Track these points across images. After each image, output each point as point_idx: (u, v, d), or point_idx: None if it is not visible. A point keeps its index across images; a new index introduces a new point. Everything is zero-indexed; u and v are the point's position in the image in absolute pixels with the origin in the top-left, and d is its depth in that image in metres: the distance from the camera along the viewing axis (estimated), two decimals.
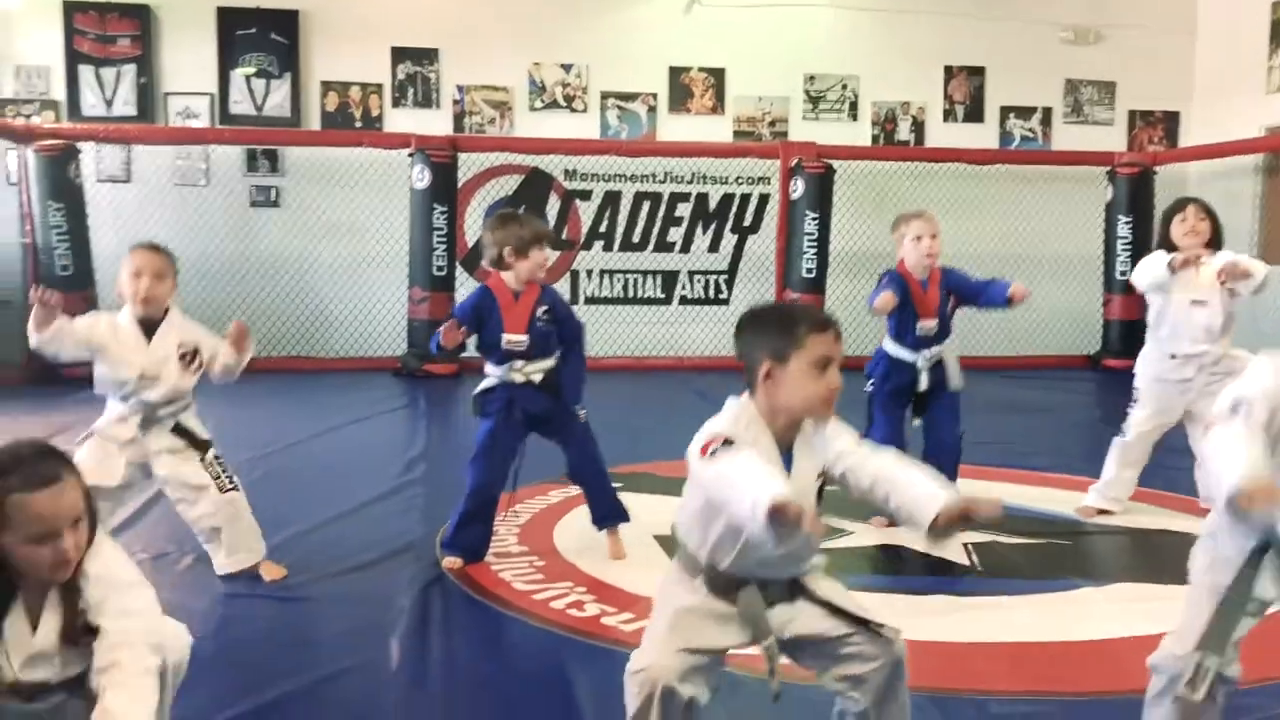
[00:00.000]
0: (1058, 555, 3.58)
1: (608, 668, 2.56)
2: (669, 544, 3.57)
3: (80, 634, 1.74)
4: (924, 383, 3.85)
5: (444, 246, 7.92)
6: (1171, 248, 3.86)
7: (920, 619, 2.76)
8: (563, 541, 3.55)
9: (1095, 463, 4.23)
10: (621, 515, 3.47)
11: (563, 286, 8.90)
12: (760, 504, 1.63)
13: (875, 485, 1.89)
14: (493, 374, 3.36)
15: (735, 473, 1.75)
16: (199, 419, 3.20)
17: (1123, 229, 8.66)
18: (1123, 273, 8.72)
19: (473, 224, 8.52)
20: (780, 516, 1.62)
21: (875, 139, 9.28)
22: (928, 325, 3.89)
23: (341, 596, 3.06)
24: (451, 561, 3.29)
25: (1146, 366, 3.97)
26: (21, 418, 5.54)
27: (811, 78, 9.20)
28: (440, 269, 7.91)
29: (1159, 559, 3.56)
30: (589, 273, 9.01)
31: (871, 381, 3.94)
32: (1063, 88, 9.49)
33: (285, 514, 3.72)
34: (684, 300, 9.11)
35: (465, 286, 8.32)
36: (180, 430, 3.12)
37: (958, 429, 3.90)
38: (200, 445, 3.14)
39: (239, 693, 2.38)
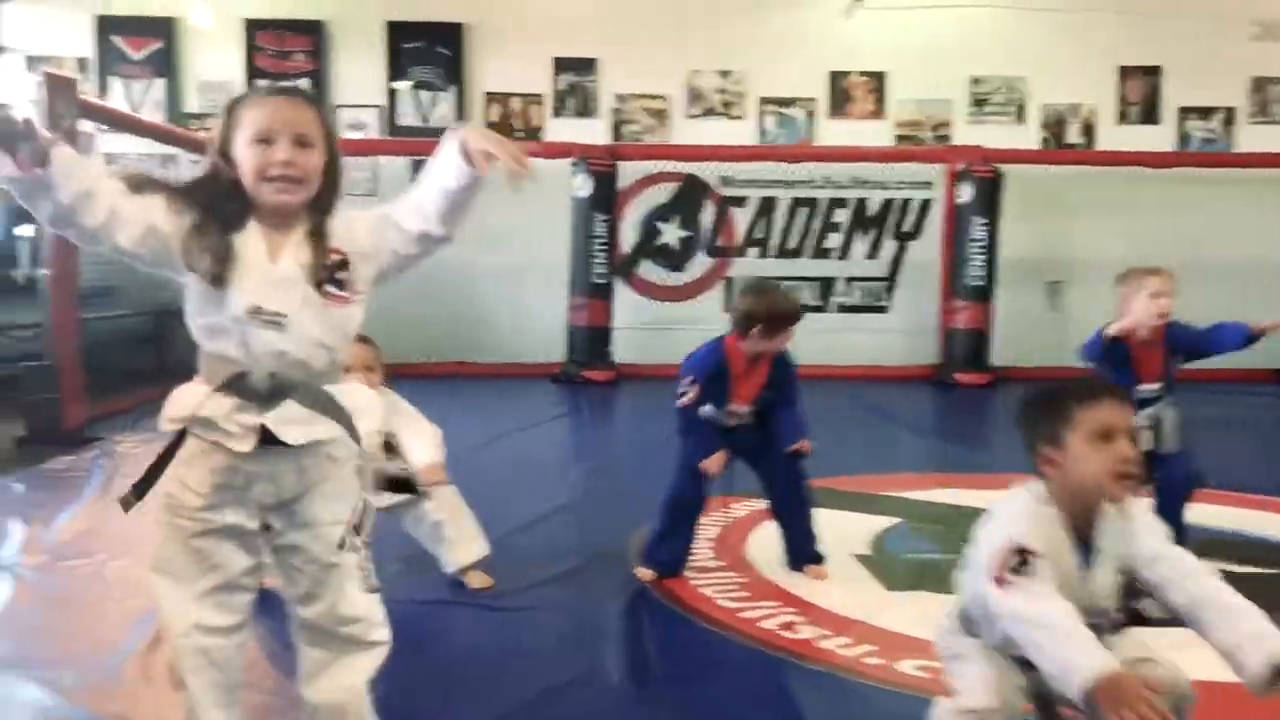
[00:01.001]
0: None
1: (836, 694, 2.49)
2: (871, 564, 3.54)
3: (328, 272, 1.81)
4: (1144, 442, 3.48)
5: (604, 255, 7.96)
6: None
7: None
8: (758, 556, 3.48)
9: None
10: (818, 556, 3.37)
11: (716, 293, 8.87)
12: (1076, 682, 1.57)
13: (1193, 608, 1.73)
14: (705, 413, 3.29)
15: (1043, 631, 1.65)
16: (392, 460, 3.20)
17: None
18: None
19: (628, 232, 8.55)
20: (1103, 699, 1.53)
21: (1044, 142, 8.94)
22: (1150, 388, 3.46)
23: (548, 607, 3.05)
24: (645, 573, 3.27)
25: None
26: None
27: (976, 80, 8.92)
28: (600, 277, 7.95)
29: None
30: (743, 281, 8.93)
31: None
32: (1248, 86, 8.96)
33: None
34: (842, 308, 8.94)
35: (619, 297, 8.36)
36: (389, 483, 3.13)
37: (1191, 464, 3.54)
38: (407, 483, 3.10)
39: (464, 705, 2.39)
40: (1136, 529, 1.79)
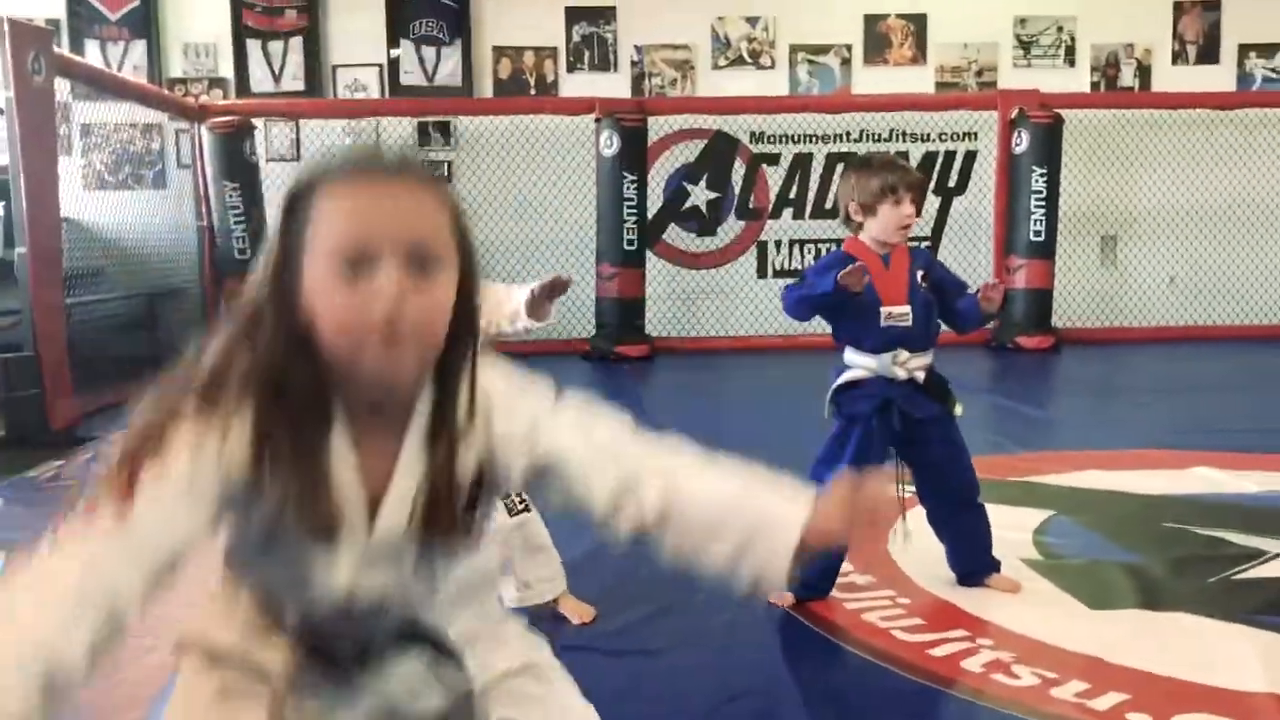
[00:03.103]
0: None
1: None
2: (1053, 572, 2.82)
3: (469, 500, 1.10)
4: None
5: (635, 218, 7.31)
6: None
7: None
8: (910, 564, 2.86)
9: None
10: (995, 563, 2.76)
11: (749, 259, 8.25)
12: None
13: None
14: (860, 365, 2.62)
15: None
16: None
17: None
18: None
19: (652, 196, 7.91)
20: None
21: (1095, 85, 8.31)
22: None
23: (676, 646, 2.43)
24: (783, 596, 2.64)
25: None
26: None
27: (1023, 21, 8.28)
28: (631, 243, 7.31)
29: None
30: (777, 244, 8.29)
31: None
32: None
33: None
34: None
35: (651, 263, 7.73)
36: None
37: None
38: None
39: None
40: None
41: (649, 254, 7.83)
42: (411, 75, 8.04)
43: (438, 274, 1.04)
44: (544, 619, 2.54)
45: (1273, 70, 8.38)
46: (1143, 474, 3.80)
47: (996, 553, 2.83)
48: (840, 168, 8.13)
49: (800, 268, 8.23)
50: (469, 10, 8.01)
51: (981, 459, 4.08)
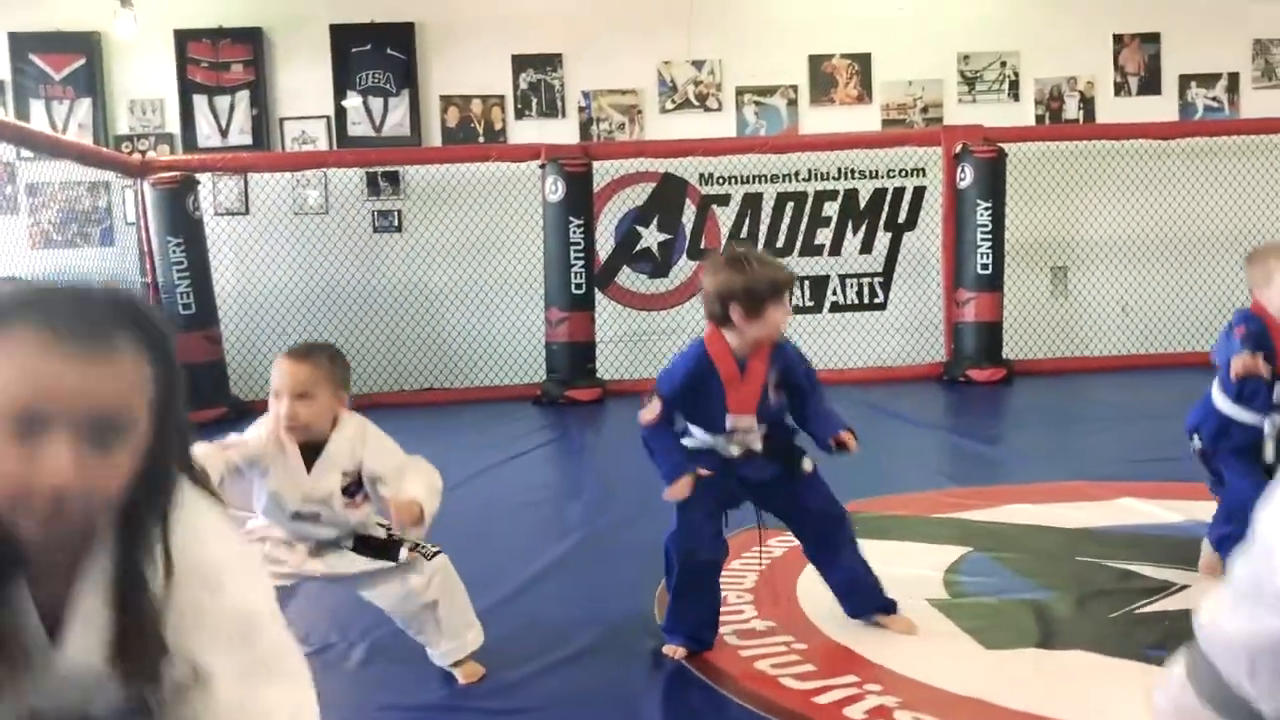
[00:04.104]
0: None
1: None
2: (955, 611, 2.74)
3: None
4: (1270, 453, 2.83)
5: (582, 262, 7.31)
6: None
7: None
8: (815, 610, 2.82)
9: None
10: (889, 603, 2.71)
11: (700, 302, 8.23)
12: None
13: None
14: (698, 438, 2.61)
15: None
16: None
17: None
18: None
19: (602, 239, 7.93)
20: None
21: (1040, 118, 8.39)
22: None
23: (563, 703, 2.38)
24: (675, 650, 2.58)
25: None
26: None
27: (966, 57, 8.37)
28: (579, 287, 7.30)
29: None
30: None
31: (1199, 438, 2.97)
32: (1250, 49, 8.47)
33: None
34: (836, 307, 8.34)
35: (603, 305, 7.73)
36: (362, 544, 2.45)
37: None
38: (389, 548, 2.43)
39: None
40: None
41: (601, 296, 7.83)
42: (359, 126, 8.06)
43: (118, 445, 0.96)
44: (433, 678, 2.50)
45: (1214, 99, 8.48)
46: (1067, 507, 3.78)
47: (905, 592, 2.80)
48: (789, 206, 8.21)
49: None
50: (415, 61, 8.05)
51: (910, 496, 4.10)
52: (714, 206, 8.26)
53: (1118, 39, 8.42)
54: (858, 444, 2.60)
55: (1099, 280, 8.34)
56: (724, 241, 8.19)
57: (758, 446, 2.61)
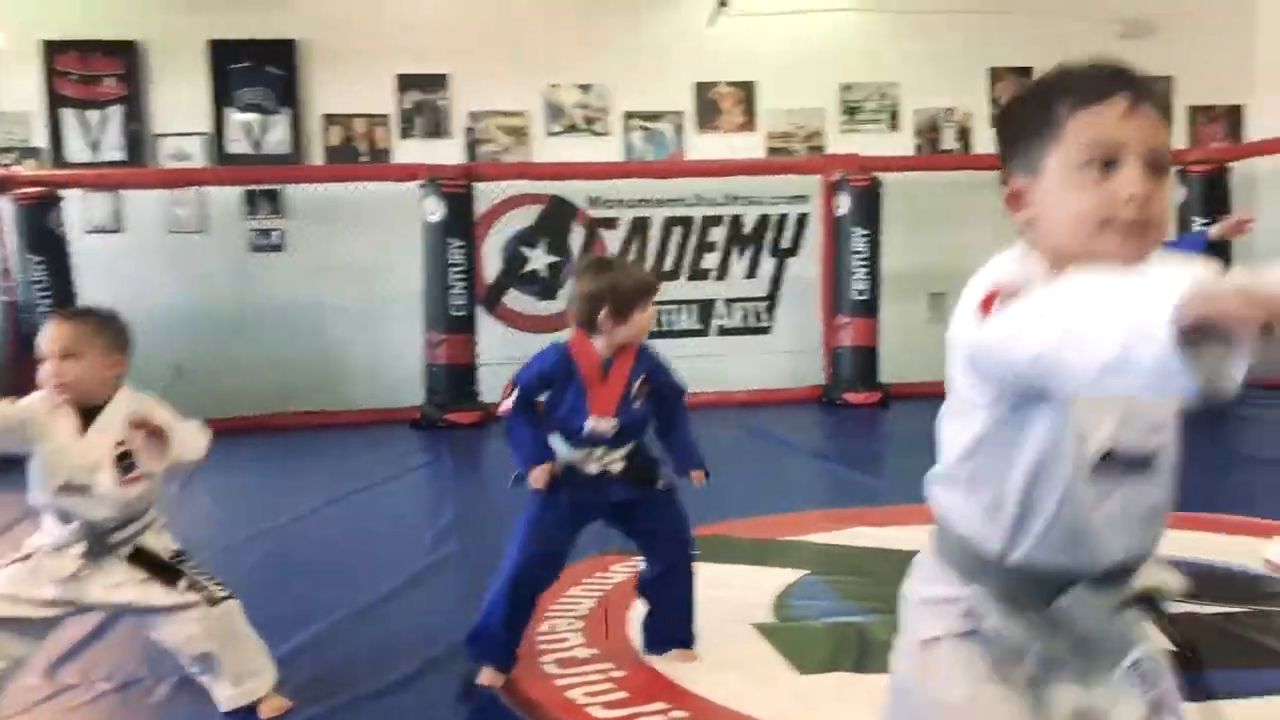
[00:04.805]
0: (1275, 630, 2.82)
1: None
2: (776, 636, 2.80)
3: None
4: None
5: (462, 284, 7.25)
6: None
7: None
8: (641, 637, 2.82)
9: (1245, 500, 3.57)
10: (691, 638, 2.70)
11: None
12: (1159, 322, 0.81)
13: None
14: (558, 449, 2.60)
15: (1053, 307, 0.91)
16: (164, 532, 2.42)
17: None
18: None
19: (489, 260, 7.90)
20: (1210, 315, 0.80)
21: (918, 149, 8.62)
22: None
23: None
24: (492, 676, 2.55)
25: None
26: None
27: (847, 87, 8.56)
28: (459, 309, 7.24)
29: None
30: None
31: None
32: None
33: (290, 614, 3.02)
34: (723, 330, 8.42)
35: (486, 330, 7.68)
36: (140, 557, 2.34)
37: None
38: (169, 573, 2.35)
39: None
40: None
41: (489, 318, 7.79)
42: (238, 144, 7.90)
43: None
44: (237, 714, 2.43)
45: None
46: (914, 529, 3.84)
47: (734, 616, 2.83)
48: (677, 231, 8.28)
49: None
50: (297, 79, 7.94)
51: (759, 520, 4.13)
52: (602, 230, 8.28)
53: (993, 71, 8.70)
54: (706, 482, 2.65)
55: None
56: None
57: (617, 469, 2.61)
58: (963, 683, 1.14)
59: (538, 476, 2.51)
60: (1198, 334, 0.81)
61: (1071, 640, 1.14)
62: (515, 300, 8.18)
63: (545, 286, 8.19)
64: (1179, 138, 8.74)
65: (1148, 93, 1.10)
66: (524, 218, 8.17)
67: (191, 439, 2.37)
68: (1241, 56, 8.85)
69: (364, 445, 6.53)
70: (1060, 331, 0.90)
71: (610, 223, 8.29)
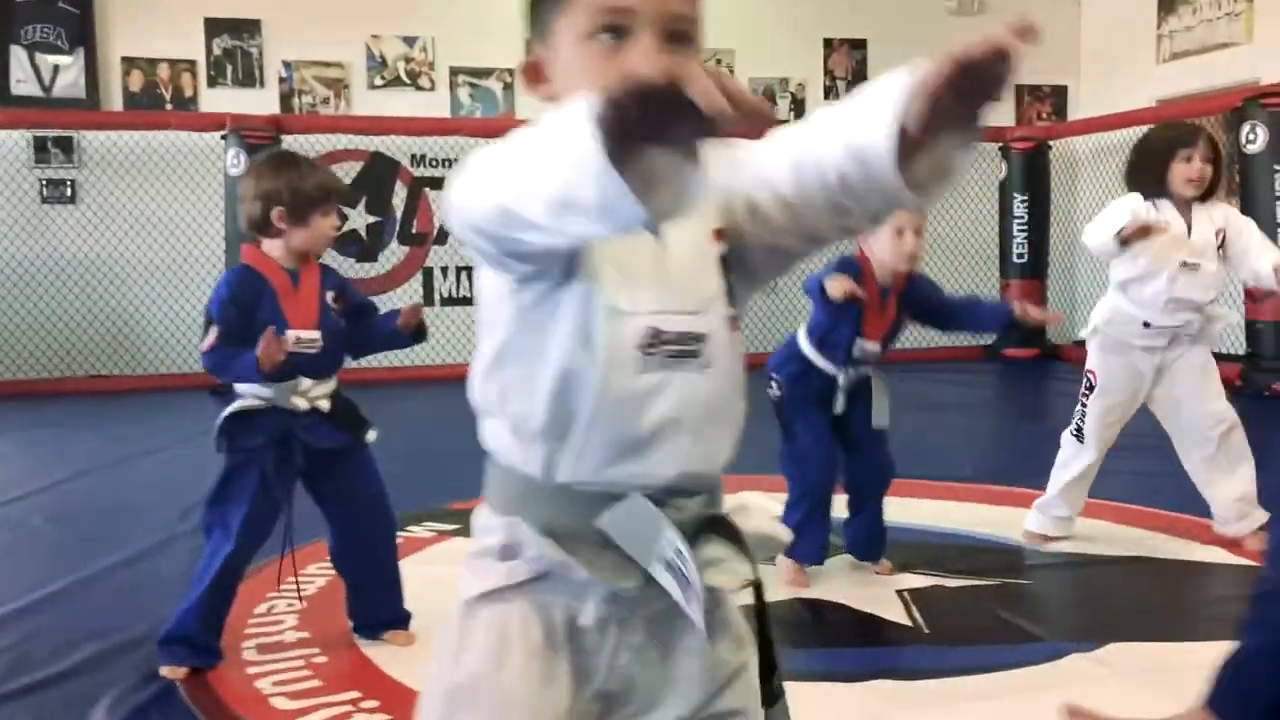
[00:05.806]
0: (1020, 604, 2.76)
1: None
2: None
3: None
4: (840, 405, 2.83)
5: None
6: (1162, 192, 3.09)
7: None
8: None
9: (1024, 469, 3.56)
10: (405, 618, 2.49)
11: (414, 286, 7.94)
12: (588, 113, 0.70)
13: (797, 169, 0.91)
14: (254, 394, 2.34)
15: (528, 138, 0.77)
16: None
17: (1019, 208, 8.13)
18: (1020, 255, 8.21)
19: None
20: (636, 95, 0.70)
21: None
22: (871, 346, 2.83)
23: None
24: (173, 671, 2.29)
25: (1107, 340, 3.19)
26: None
27: None
28: None
29: (1154, 602, 2.79)
30: (444, 270, 8.03)
31: (776, 383, 2.88)
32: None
33: None
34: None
35: None
36: None
37: (885, 453, 2.93)
38: None
39: None
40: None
41: None
42: (24, 85, 7.28)
43: None
44: None
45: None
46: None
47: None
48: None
49: (468, 295, 7.99)
50: (92, 17, 7.35)
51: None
52: (427, 189, 7.96)
53: (828, 43, 8.68)
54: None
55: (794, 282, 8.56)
56: (437, 228, 7.92)
57: (325, 404, 2.37)
58: (483, 656, 0.95)
59: (270, 353, 2.18)
60: (633, 145, 0.71)
61: (640, 576, 0.94)
62: (334, 262, 7.73)
63: (365, 248, 7.83)
64: (1005, 114, 8.91)
65: None
66: (342, 176, 7.77)
67: None
68: (1068, 38, 9.04)
69: (155, 411, 6.11)
70: (513, 174, 0.78)
71: (436, 182, 7.96)
